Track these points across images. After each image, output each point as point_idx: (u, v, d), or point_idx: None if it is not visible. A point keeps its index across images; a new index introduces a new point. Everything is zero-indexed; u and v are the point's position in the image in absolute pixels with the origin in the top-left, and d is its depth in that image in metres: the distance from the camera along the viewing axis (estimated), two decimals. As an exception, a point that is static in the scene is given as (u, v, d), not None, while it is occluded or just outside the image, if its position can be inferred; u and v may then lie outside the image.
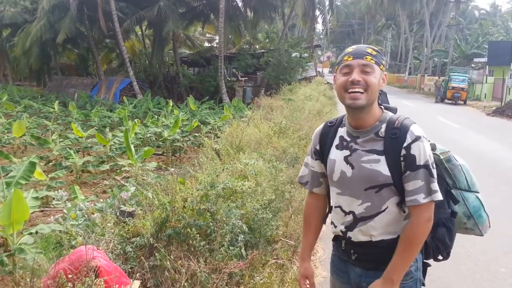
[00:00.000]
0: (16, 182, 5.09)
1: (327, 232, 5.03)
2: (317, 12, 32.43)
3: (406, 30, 49.79)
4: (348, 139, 1.85)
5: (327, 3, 32.90)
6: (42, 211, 6.58)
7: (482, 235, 2.02)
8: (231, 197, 3.76)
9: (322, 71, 51.39)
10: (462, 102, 27.82)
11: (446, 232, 1.89)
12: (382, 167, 1.74)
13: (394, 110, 1.86)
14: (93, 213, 4.02)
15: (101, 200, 5.12)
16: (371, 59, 1.76)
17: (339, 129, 1.92)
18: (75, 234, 3.27)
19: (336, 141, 1.90)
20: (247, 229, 3.41)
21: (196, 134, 12.23)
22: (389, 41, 54.98)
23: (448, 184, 1.95)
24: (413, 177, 1.71)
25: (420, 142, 1.72)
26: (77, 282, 2.10)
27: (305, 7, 28.32)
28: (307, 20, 30.52)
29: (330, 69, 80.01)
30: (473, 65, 37.61)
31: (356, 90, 1.73)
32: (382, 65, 1.79)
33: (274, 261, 3.68)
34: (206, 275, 2.78)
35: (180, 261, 2.84)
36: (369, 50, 1.78)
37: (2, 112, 15.77)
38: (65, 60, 35.17)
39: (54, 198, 5.59)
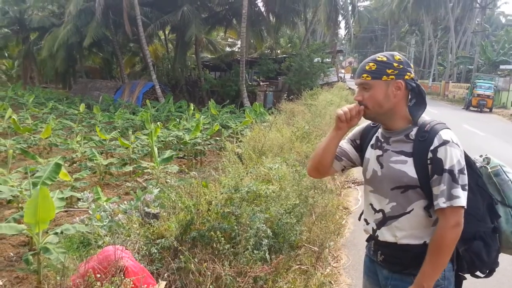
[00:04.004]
0: (42, 182, 5.18)
1: (351, 239, 4.99)
2: (340, 18, 32.21)
3: (430, 36, 49.11)
4: (382, 139, 1.92)
5: (350, 8, 32.65)
6: (66, 211, 6.68)
7: None
8: (255, 201, 3.75)
9: (344, 76, 51.05)
10: (488, 110, 27.23)
11: (483, 247, 1.83)
12: (408, 168, 1.77)
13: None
14: (117, 214, 4.06)
15: (125, 202, 5.17)
16: (367, 76, 1.81)
17: (379, 130, 1.98)
18: (103, 234, 3.30)
19: (372, 141, 1.97)
20: (271, 233, 3.39)
21: (217, 138, 12.27)
22: (412, 47, 54.33)
23: (493, 199, 1.87)
24: (439, 181, 1.72)
25: (448, 146, 1.72)
26: (105, 281, 2.11)
27: (328, 12, 28.15)
28: (330, 25, 30.34)
29: (352, 75, 79.49)
30: (499, 72, 36.85)
31: (363, 108, 1.84)
32: (385, 76, 1.80)
33: (297, 266, 3.65)
34: (231, 278, 2.77)
35: (205, 264, 2.84)
36: (367, 67, 1.82)
37: (29, 113, 16.13)
38: (90, 63, 35.83)
39: (78, 199, 5.68)
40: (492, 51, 40.17)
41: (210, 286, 2.66)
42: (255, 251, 3.15)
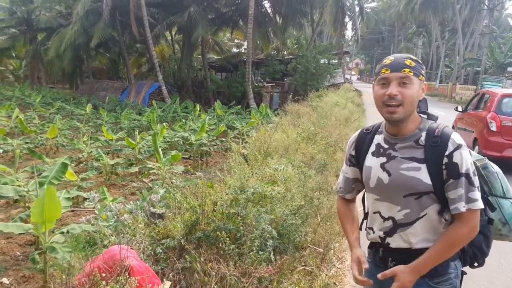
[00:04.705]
0: (49, 182, 5.21)
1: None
2: (347, 19, 32.17)
3: (437, 38, 48.90)
4: (386, 146, 1.86)
5: (357, 9, 32.62)
6: (72, 211, 6.72)
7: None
8: (260, 202, 3.75)
9: (350, 78, 50.92)
10: (495, 112, 27.01)
11: (483, 239, 1.91)
12: (423, 175, 1.74)
13: (435, 118, 1.86)
14: (123, 214, 4.07)
15: (131, 202, 5.20)
16: (410, 71, 1.74)
17: (376, 136, 1.93)
18: (108, 234, 3.31)
19: (372, 148, 1.92)
20: (276, 234, 3.40)
21: (223, 139, 12.29)
22: (419, 48, 54.13)
23: (484, 191, 1.94)
24: (455, 186, 1.71)
25: (462, 150, 1.72)
26: (110, 280, 2.12)
27: (335, 14, 28.13)
28: (337, 26, 30.29)
29: (359, 76, 79.31)
30: (506, 74, 36.62)
31: (393, 104, 1.73)
32: (421, 76, 1.77)
33: (302, 267, 3.65)
34: (236, 278, 2.77)
35: (210, 264, 2.85)
36: (408, 62, 1.76)
37: (36, 113, 16.23)
38: (97, 64, 36.05)
39: (85, 199, 5.71)
40: (499, 53, 39.93)
41: (215, 286, 2.67)
42: (260, 252, 3.15)
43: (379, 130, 1.94)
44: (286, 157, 5.84)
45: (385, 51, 66.21)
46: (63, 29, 27.26)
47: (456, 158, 1.70)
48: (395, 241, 1.84)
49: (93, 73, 33.70)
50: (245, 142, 8.26)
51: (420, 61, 1.81)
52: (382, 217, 1.87)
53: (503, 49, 40.90)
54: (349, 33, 51.82)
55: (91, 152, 9.57)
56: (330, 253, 4.12)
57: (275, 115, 15.02)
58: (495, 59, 39.39)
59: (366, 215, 2.03)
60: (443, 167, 1.72)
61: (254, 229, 3.27)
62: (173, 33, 31.74)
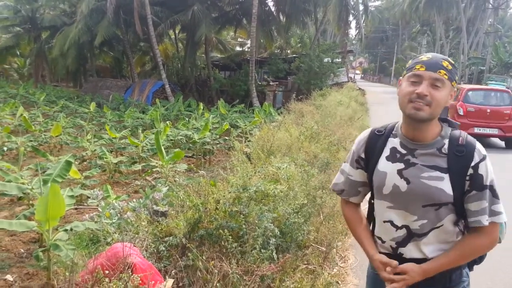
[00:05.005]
0: (53, 180, 5.22)
1: (358, 239, 4.97)
2: (351, 18, 32.09)
3: (441, 37, 48.72)
4: (403, 151, 1.75)
5: (361, 8, 32.50)
6: (76, 208, 6.74)
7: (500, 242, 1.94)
8: (263, 200, 3.76)
9: (354, 76, 50.82)
10: (500, 111, 26.93)
11: None
12: (445, 185, 1.65)
13: (456, 125, 1.77)
14: (126, 212, 4.09)
15: (134, 200, 5.21)
16: (445, 73, 1.65)
17: (390, 139, 1.81)
18: (112, 232, 3.33)
19: (387, 152, 1.79)
20: (278, 232, 3.40)
21: (226, 138, 12.30)
22: (424, 47, 53.97)
23: None
24: (478, 197, 1.65)
25: (487, 161, 1.67)
26: (113, 277, 2.13)
27: (338, 12, 28.06)
28: (341, 25, 30.23)
29: (362, 75, 79.15)
30: (511, 74, 36.45)
31: (421, 103, 1.63)
32: (454, 81, 1.70)
33: (305, 266, 3.65)
34: (238, 276, 2.78)
35: (212, 262, 2.86)
36: (445, 64, 1.67)
37: (40, 111, 16.29)
38: (101, 62, 36.09)
39: (88, 197, 5.73)
40: (504, 52, 39.72)
41: (217, 284, 2.67)
42: (262, 250, 3.15)
43: (393, 132, 1.81)
44: (289, 156, 5.84)
45: (389, 50, 66.03)
46: (67, 27, 27.32)
47: (481, 170, 1.64)
48: (409, 251, 1.75)
49: (97, 71, 33.76)
50: (248, 141, 8.28)
51: (456, 66, 1.73)
52: (394, 226, 1.76)
53: (507, 48, 40.70)
54: (353, 31, 51.87)
55: (94, 150, 9.60)
56: (332, 251, 4.13)
57: (279, 114, 15.02)
58: (500, 58, 39.20)
59: (372, 221, 1.92)
60: (467, 178, 1.65)
61: (257, 228, 3.28)
62: (177, 31, 31.76)
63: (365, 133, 1.91)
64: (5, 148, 9.85)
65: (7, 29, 33.68)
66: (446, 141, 1.69)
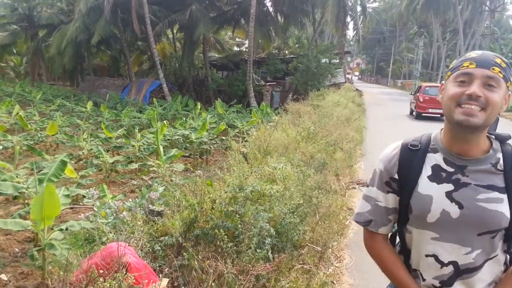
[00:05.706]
0: (48, 179, 5.21)
1: (354, 239, 4.97)
2: (348, 19, 32.13)
3: (438, 38, 48.89)
4: (450, 169, 1.44)
5: (359, 9, 32.60)
6: (71, 208, 6.72)
7: None
8: (259, 200, 3.76)
9: (352, 77, 50.91)
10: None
11: None
12: (505, 208, 1.39)
13: (506, 138, 1.50)
14: (122, 212, 4.08)
15: (130, 199, 5.20)
16: (500, 71, 1.36)
17: (429, 155, 1.50)
18: (107, 231, 3.32)
19: (428, 171, 1.47)
20: (274, 232, 3.40)
21: (223, 137, 12.29)
22: (421, 49, 54.08)
23: None
24: None
25: None
26: (108, 277, 2.13)
27: (336, 13, 28.10)
28: (339, 26, 30.28)
29: (360, 76, 79.37)
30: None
31: (473, 107, 1.34)
32: (509, 82, 1.40)
33: (300, 266, 3.65)
34: (233, 276, 2.78)
35: (207, 261, 2.85)
36: (498, 60, 1.38)
37: (36, 110, 16.24)
38: (98, 61, 36.05)
39: (84, 196, 5.72)
40: (500, 54, 39.91)
41: (212, 284, 2.67)
42: (258, 250, 3.15)
43: (432, 146, 1.51)
44: (286, 156, 5.84)
45: (386, 51, 66.21)
46: (64, 26, 27.28)
47: None
48: None
49: (94, 70, 33.72)
50: (245, 141, 8.27)
51: (510, 66, 1.43)
52: (439, 261, 1.46)
53: (504, 51, 40.92)
54: (350, 32, 51.88)
55: (91, 149, 9.58)
56: (328, 251, 4.13)
57: (276, 114, 15.02)
58: (496, 60, 39.34)
59: (406, 252, 1.60)
60: None
61: (252, 227, 3.28)
62: (175, 31, 31.74)
63: (395, 149, 1.57)
64: (0, 147, 9.81)
65: (4, 27, 33.64)
66: (500, 155, 1.44)
